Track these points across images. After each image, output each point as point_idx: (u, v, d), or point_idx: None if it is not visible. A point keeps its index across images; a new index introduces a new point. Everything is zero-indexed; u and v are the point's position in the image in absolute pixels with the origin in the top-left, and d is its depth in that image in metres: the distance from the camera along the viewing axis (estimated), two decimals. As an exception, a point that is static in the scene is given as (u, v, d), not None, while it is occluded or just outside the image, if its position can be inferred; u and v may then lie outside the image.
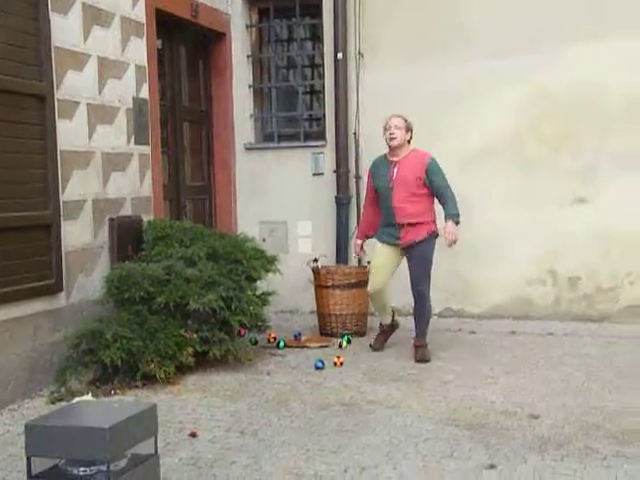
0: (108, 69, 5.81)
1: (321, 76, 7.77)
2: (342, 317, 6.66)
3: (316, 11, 7.68)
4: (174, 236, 5.94)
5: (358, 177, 7.40)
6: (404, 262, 5.85)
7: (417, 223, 5.68)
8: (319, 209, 7.60)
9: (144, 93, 6.27)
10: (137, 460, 3.26)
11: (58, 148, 5.28)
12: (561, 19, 6.79)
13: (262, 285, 6.10)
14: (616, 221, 6.77)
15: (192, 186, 7.53)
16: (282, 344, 6.31)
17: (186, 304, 5.32)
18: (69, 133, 5.40)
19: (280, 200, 7.69)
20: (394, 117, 5.72)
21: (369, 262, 6.28)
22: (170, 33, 7.06)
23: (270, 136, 8.00)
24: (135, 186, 6.16)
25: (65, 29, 5.36)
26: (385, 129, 5.74)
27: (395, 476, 3.70)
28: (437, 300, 6.45)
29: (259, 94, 8.08)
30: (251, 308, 5.61)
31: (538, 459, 3.85)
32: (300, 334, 6.59)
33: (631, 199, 6.76)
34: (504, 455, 3.90)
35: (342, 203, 7.48)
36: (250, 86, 7.93)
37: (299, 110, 7.95)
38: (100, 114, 5.73)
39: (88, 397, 4.24)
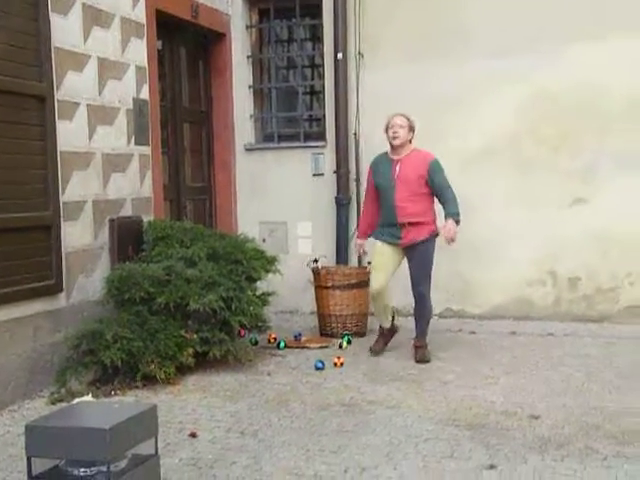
0: (108, 70, 5.81)
1: (321, 76, 7.78)
2: (342, 318, 6.67)
3: (316, 11, 7.68)
4: (174, 237, 5.94)
5: (358, 178, 7.40)
6: (404, 262, 5.84)
7: (418, 223, 5.66)
8: (319, 210, 7.60)
9: (144, 94, 6.27)
10: (137, 460, 3.26)
11: (58, 149, 5.28)
12: (561, 19, 6.79)
13: (262, 285, 6.10)
14: (616, 221, 6.77)
15: (192, 187, 7.53)
16: (282, 344, 6.31)
17: (186, 304, 5.32)
18: (69, 134, 5.40)
19: (280, 201, 7.69)
20: (397, 116, 5.70)
21: (369, 262, 6.28)
22: (170, 34, 7.07)
23: (270, 137, 8.00)
24: (135, 187, 6.16)
25: (65, 30, 5.36)
26: (388, 127, 5.71)
27: (395, 476, 3.70)
28: (437, 300, 6.45)
29: (259, 94, 8.08)
30: (251, 308, 5.61)
31: (538, 459, 3.85)
32: (300, 334, 6.59)
33: (631, 199, 6.76)
34: (504, 455, 3.90)
35: (342, 204, 7.48)
36: (250, 86, 7.94)
37: (299, 110, 7.95)
38: (100, 115, 5.73)
39: (88, 398, 4.24)
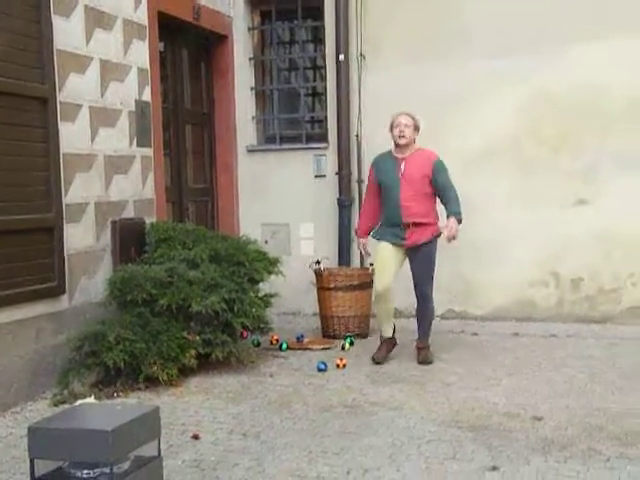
0: (110, 72, 5.82)
1: (323, 78, 7.78)
2: (344, 319, 6.67)
3: (318, 13, 7.68)
4: (176, 238, 5.95)
5: (360, 179, 7.39)
6: (406, 262, 5.82)
7: (422, 223, 5.62)
8: (321, 211, 7.60)
9: (146, 96, 6.27)
10: (140, 462, 3.25)
11: (60, 151, 5.28)
12: (562, 20, 6.79)
13: (264, 287, 6.10)
14: (618, 222, 6.76)
15: (194, 188, 7.53)
16: (285, 346, 6.31)
17: (188, 306, 5.32)
18: (71, 136, 5.40)
19: (282, 202, 7.69)
20: (403, 115, 5.66)
21: (371, 264, 6.27)
22: (172, 36, 7.07)
23: (272, 138, 8.00)
24: (137, 188, 6.16)
25: (67, 32, 5.36)
26: (393, 126, 5.66)
27: (398, 478, 3.70)
28: (440, 302, 6.44)
29: (261, 96, 8.09)
30: (253, 310, 5.61)
31: (541, 461, 3.84)
32: (303, 336, 6.59)
33: (633, 200, 6.76)
34: (507, 457, 3.90)
35: (344, 205, 7.48)
36: (252, 88, 7.94)
37: (301, 112, 7.96)
38: (102, 117, 5.74)
39: (91, 399, 4.24)
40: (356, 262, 7.38)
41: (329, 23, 7.49)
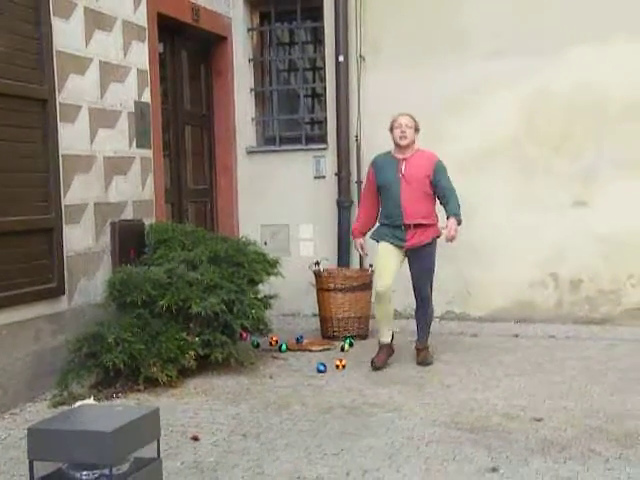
0: (110, 73, 5.82)
1: (322, 79, 7.78)
2: (344, 320, 6.67)
3: (317, 14, 7.69)
4: (176, 239, 5.95)
5: (360, 180, 7.39)
6: (404, 263, 5.81)
7: (423, 225, 5.60)
8: (321, 212, 7.60)
9: (146, 97, 6.28)
10: (140, 464, 3.25)
11: (60, 152, 5.28)
12: (562, 22, 6.79)
13: (264, 288, 6.10)
14: (617, 224, 6.76)
15: (194, 189, 7.54)
16: (284, 347, 6.31)
17: (188, 307, 5.32)
18: (71, 137, 5.40)
19: (282, 203, 7.69)
20: (404, 116, 5.65)
21: (371, 265, 6.27)
22: (172, 37, 7.07)
23: (272, 139, 8.00)
24: (137, 190, 6.16)
25: (67, 33, 5.37)
26: (394, 127, 5.64)
27: (397, 479, 3.70)
28: (439, 303, 6.44)
29: (260, 97, 8.09)
30: (253, 311, 5.60)
31: (540, 462, 3.85)
32: (302, 337, 6.59)
33: (633, 201, 6.76)
34: (506, 458, 3.90)
35: (344, 206, 7.48)
36: (251, 89, 7.94)
37: (300, 113, 7.96)
38: (102, 118, 5.74)
39: (90, 401, 4.24)
40: (355, 263, 7.38)
41: (329, 24, 7.49)
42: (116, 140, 5.91)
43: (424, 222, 5.61)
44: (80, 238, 5.50)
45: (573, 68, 6.83)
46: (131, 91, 6.09)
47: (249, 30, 7.93)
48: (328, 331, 6.75)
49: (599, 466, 3.78)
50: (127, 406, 4.43)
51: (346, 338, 6.48)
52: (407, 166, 5.63)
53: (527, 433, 4.25)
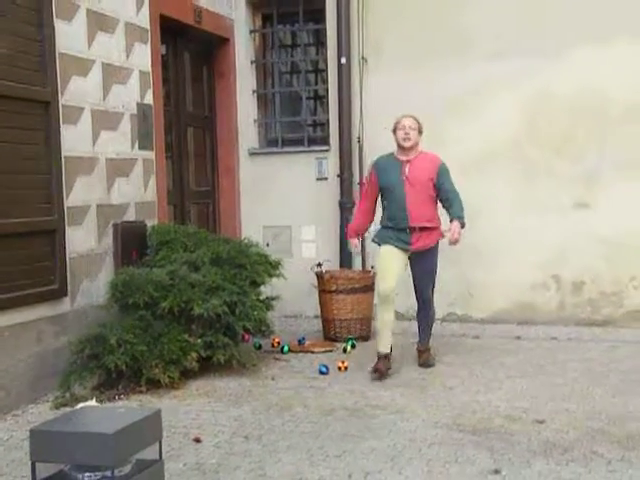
0: (112, 75, 5.83)
1: (325, 81, 7.78)
2: (346, 322, 6.67)
3: (320, 16, 7.69)
4: (178, 241, 5.95)
5: (362, 182, 7.39)
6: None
7: (428, 228, 5.54)
8: (323, 214, 7.60)
9: (148, 99, 6.28)
10: (142, 466, 3.26)
11: (62, 154, 5.29)
12: (564, 23, 6.80)
13: (266, 290, 6.10)
14: (620, 225, 6.76)
15: (196, 191, 7.54)
16: (286, 349, 6.31)
17: (190, 309, 5.32)
18: (73, 139, 5.41)
19: (284, 205, 7.69)
20: (407, 117, 5.58)
21: (373, 266, 6.26)
22: (174, 39, 7.08)
23: (274, 141, 8.01)
24: (139, 191, 6.17)
25: (69, 35, 5.38)
26: (397, 129, 5.57)
27: (399, 481, 3.70)
28: (441, 305, 6.44)
29: (263, 99, 8.10)
30: (255, 313, 5.61)
31: (543, 464, 3.84)
32: (304, 339, 6.59)
33: (635, 203, 6.76)
34: (508, 460, 3.90)
35: (346, 208, 7.48)
36: (254, 91, 7.95)
37: (303, 115, 7.97)
38: (104, 120, 5.74)
39: (92, 402, 4.23)
40: (358, 265, 7.38)
41: (331, 26, 7.50)
42: (118, 142, 5.92)
43: (428, 225, 5.55)
44: (82, 240, 5.51)
45: (575, 70, 6.83)
46: (133, 93, 6.10)
47: (251, 32, 7.94)
48: (330, 333, 6.75)
49: (601, 468, 3.78)
50: (129, 408, 4.43)
51: (348, 340, 6.48)
52: (411, 168, 5.56)
53: (529, 435, 4.25)
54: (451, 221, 5.51)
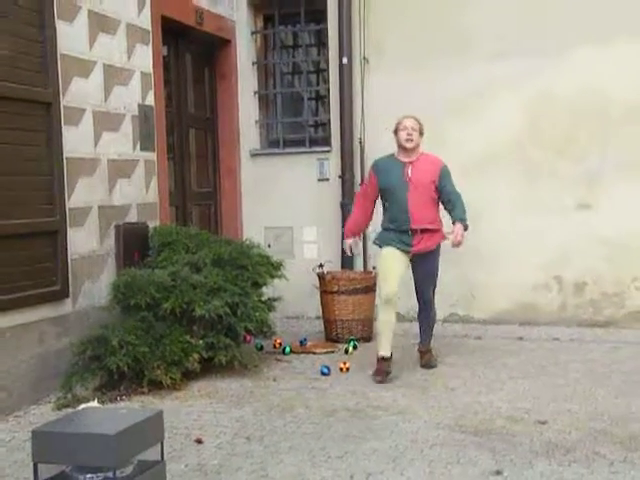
0: (114, 76, 5.83)
1: (326, 82, 7.78)
2: (348, 323, 6.67)
3: (321, 17, 7.69)
4: (180, 242, 5.95)
5: (363, 183, 7.39)
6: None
7: (430, 230, 5.51)
8: (324, 215, 7.60)
9: (150, 100, 6.29)
10: (143, 467, 3.26)
11: (64, 155, 5.29)
12: (565, 24, 6.79)
13: (268, 291, 6.10)
14: (622, 226, 6.76)
15: (198, 192, 7.55)
16: (288, 350, 6.31)
17: (192, 310, 5.32)
18: (75, 140, 5.41)
19: (285, 206, 7.70)
20: (409, 118, 5.54)
21: (374, 267, 6.26)
22: (175, 40, 7.09)
23: (275, 142, 8.01)
24: (141, 192, 6.17)
25: (71, 36, 5.38)
26: (399, 129, 5.53)
27: (401, 482, 3.70)
28: (443, 306, 6.44)
29: (264, 100, 8.10)
30: (257, 314, 5.61)
31: (545, 465, 3.84)
32: (306, 340, 6.59)
33: (636, 204, 6.75)
34: (510, 461, 3.89)
35: (347, 209, 7.43)
36: (255, 92, 7.95)
37: (304, 116, 7.97)
38: (106, 121, 5.75)
39: (94, 403, 4.23)
40: (359, 265, 7.38)
41: (332, 27, 7.50)
42: (120, 143, 5.92)
43: (430, 227, 5.51)
44: (84, 241, 5.51)
45: (576, 70, 6.83)
46: (135, 94, 6.10)
47: (253, 33, 7.94)
48: (332, 334, 6.74)
49: (604, 469, 3.77)
50: (131, 409, 4.43)
51: (350, 341, 6.47)
52: (413, 170, 5.51)
53: (531, 436, 4.24)
54: (454, 224, 5.50)
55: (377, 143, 6.90)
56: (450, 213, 5.58)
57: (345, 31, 7.38)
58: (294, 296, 7.04)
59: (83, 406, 3.75)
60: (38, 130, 5.10)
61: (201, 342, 5.35)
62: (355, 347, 6.39)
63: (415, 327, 6.01)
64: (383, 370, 5.46)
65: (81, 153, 5.49)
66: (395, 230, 5.55)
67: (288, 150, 7.86)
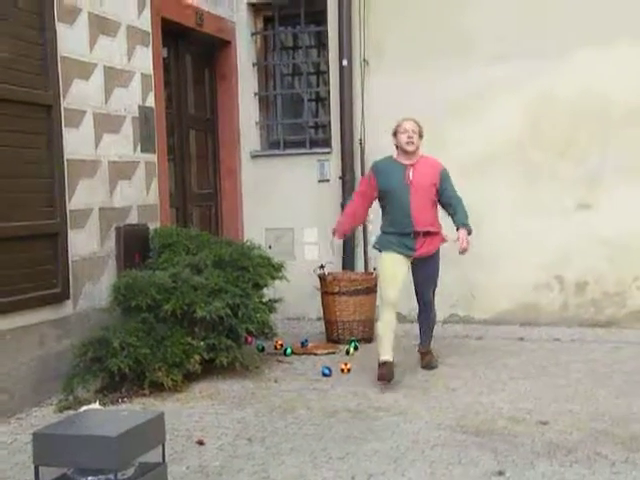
0: (114, 78, 5.83)
1: (326, 83, 7.79)
2: (349, 324, 6.66)
3: (321, 18, 7.70)
4: (180, 244, 5.95)
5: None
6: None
7: (431, 233, 5.48)
8: (325, 216, 7.58)
9: (150, 101, 6.29)
10: (145, 469, 3.26)
11: (64, 157, 5.29)
12: (566, 26, 6.79)
13: (269, 292, 6.10)
14: (622, 226, 6.76)
15: (198, 194, 7.55)
16: (289, 351, 6.31)
17: (193, 312, 5.32)
18: (75, 142, 5.41)
19: (286, 207, 7.69)
20: (409, 121, 5.51)
21: (375, 268, 6.25)
22: (176, 41, 7.09)
23: (276, 143, 8.01)
24: (141, 194, 6.18)
25: (71, 39, 5.38)
26: (399, 132, 5.49)
27: (403, 483, 3.70)
28: (443, 307, 6.43)
29: (264, 101, 8.10)
30: (258, 315, 5.61)
31: (546, 465, 3.84)
32: (307, 341, 6.59)
33: (637, 205, 6.75)
34: (512, 461, 3.89)
35: (348, 210, 7.47)
36: (255, 94, 7.96)
37: (304, 117, 7.97)
38: (106, 123, 5.75)
39: (96, 405, 4.23)
40: (360, 266, 7.38)
41: (332, 28, 7.50)
42: (120, 145, 5.92)
43: (432, 230, 5.49)
44: (85, 243, 5.51)
45: (577, 72, 6.83)
46: (135, 96, 6.11)
47: (253, 34, 7.95)
48: (333, 335, 6.74)
49: (605, 469, 3.77)
50: (132, 411, 4.43)
51: (351, 342, 6.47)
52: (414, 173, 5.47)
53: (533, 436, 4.24)
54: (457, 229, 5.47)
55: (377, 144, 6.89)
56: (452, 217, 5.55)
57: (345, 33, 7.38)
58: (295, 297, 7.03)
59: (84, 408, 3.75)
60: (39, 132, 5.10)
61: (202, 343, 5.35)
62: (356, 348, 6.39)
63: (416, 328, 6.01)
64: (385, 374, 5.34)
65: (82, 155, 5.49)
66: (396, 233, 5.49)
67: (288, 151, 7.86)
